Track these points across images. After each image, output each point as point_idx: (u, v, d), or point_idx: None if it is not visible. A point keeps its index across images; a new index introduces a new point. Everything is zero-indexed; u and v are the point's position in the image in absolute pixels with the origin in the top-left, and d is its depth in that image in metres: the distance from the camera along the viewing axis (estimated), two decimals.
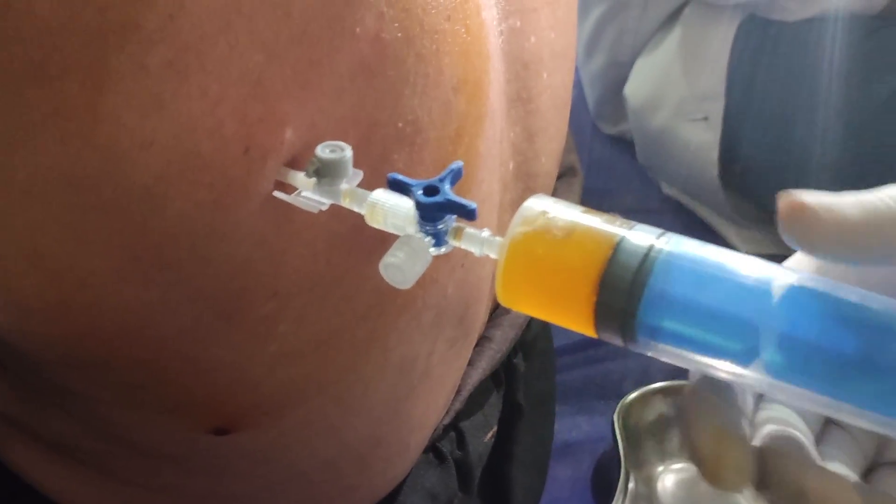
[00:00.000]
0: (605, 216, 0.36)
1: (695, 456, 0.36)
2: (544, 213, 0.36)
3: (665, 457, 0.83)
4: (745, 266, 0.34)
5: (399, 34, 0.42)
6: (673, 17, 1.24)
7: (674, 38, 1.23)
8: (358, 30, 0.40)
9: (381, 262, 0.37)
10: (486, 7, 0.48)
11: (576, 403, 0.90)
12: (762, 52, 1.15)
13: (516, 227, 0.36)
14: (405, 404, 0.54)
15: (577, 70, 1.43)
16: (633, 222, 0.36)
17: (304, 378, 0.46)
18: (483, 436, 0.66)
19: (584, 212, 0.36)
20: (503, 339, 0.64)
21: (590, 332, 0.35)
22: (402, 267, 0.37)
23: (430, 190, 0.37)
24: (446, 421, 0.62)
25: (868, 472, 0.40)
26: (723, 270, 0.34)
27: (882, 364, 0.32)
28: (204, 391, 0.44)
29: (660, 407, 0.83)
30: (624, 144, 1.39)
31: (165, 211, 0.37)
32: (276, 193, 0.39)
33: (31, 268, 0.38)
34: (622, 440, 0.81)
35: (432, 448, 0.62)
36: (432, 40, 0.43)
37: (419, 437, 0.58)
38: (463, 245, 0.38)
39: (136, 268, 0.38)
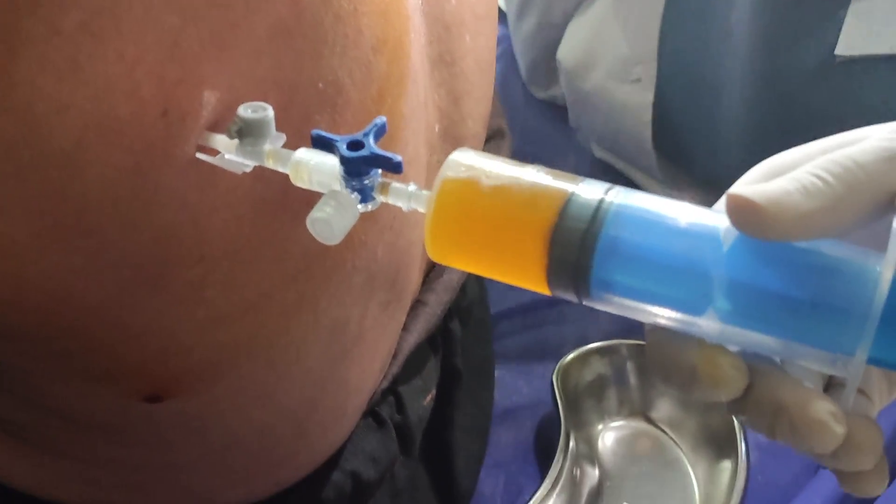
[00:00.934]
0: (540, 169, 0.36)
1: (680, 376, 0.36)
2: (472, 166, 0.36)
3: (604, 416, 0.84)
4: (695, 216, 0.34)
5: None
6: None
7: (603, 3, 1.24)
8: None
9: (309, 218, 0.37)
10: None
11: (515, 368, 0.90)
12: (694, 16, 1.15)
13: (443, 179, 0.36)
14: (340, 368, 0.54)
15: (508, 35, 1.43)
16: (575, 175, 0.36)
17: (235, 342, 0.46)
18: (422, 399, 0.67)
19: (517, 165, 0.36)
20: (437, 302, 0.64)
21: (541, 287, 0.35)
22: (329, 221, 0.37)
23: (355, 144, 0.37)
24: (384, 385, 0.62)
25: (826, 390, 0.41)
26: (673, 221, 0.34)
27: (828, 304, 0.33)
28: (134, 358, 0.44)
29: (597, 367, 0.84)
30: (556, 109, 1.39)
31: (85, 175, 0.37)
32: (199, 154, 0.39)
33: None
34: (561, 401, 0.82)
35: (371, 413, 0.62)
36: (350, 0, 0.43)
37: (356, 402, 0.58)
38: (390, 200, 0.38)
39: (57, 234, 0.38)
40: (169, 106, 0.37)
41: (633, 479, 0.79)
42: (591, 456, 0.81)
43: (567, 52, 1.26)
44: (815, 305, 0.33)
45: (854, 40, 1.00)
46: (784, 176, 0.35)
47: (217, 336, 0.45)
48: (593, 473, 0.79)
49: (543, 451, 0.84)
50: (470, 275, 0.71)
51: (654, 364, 0.36)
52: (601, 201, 0.35)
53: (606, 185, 0.35)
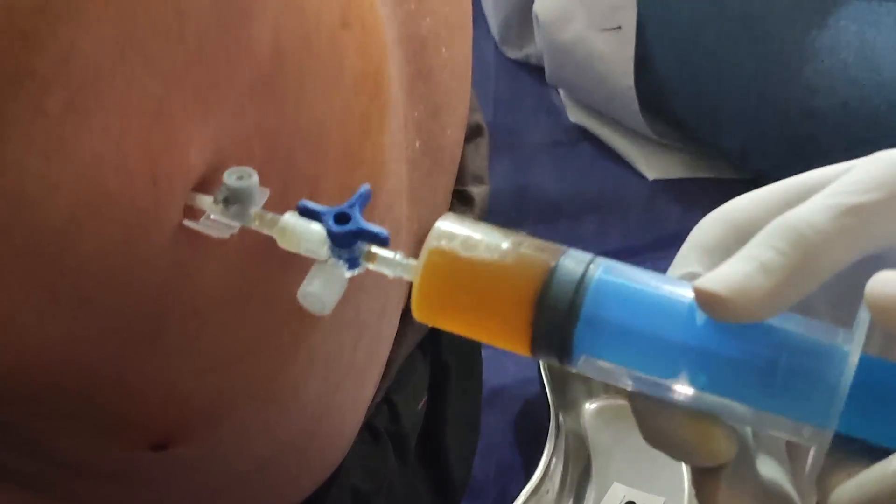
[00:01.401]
0: (524, 238, 0.38)
1: (672, 445, 0.36)
2: (456, 235, 0.37)
3: (591, 394, 0.85)
4: (671, 289, 0.36)
5: (296, 43, 0.42)
6: None
7: None
8: (254, 45, 0.40)
9: (299, 292, 0.38)
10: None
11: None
12: None
13: (429, 250, 0.37)
14: (336, 395, 0.55)
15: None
16: (559, 246, 0.37)
17: (234, 387, 0.47)
18: (415, 405, 0.68)
19: (502, 232, 0.37)
20: None
21: (524, 351, 0.37)
22: (320, 295, 0.38)
23: (341, 217, 0.38)
24: (378, 398, 0.63)
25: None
26: (650, 294, 0.36)
27: (797, 379, 0.34)
28: (137, 412, 0.45)
29: None
30: (529, 70, 1.39)
31: (79, 249, 0.37)
32: (186, 222, 0.39)
33: None
34: (548, 381, 0.84)
35: (367, 425, 0.63)
36: (330, 45, 0.44)
37: (354, 422, 0.59)
38: (376, 268, 0.39)
39: (55, 305, 0.38)
40: (157, 173, 0.38)
41: (621, 457, 0.81)
42: (580, 435, 0.83)
43: (544, 3, 1.26)
44: (785, 380, 0.34)
45: None
46: (741, 254, 0.35)
47: (215, 382, 0.46)
48: (583, 453, 0.81)
49: (532, 431, 0.85)
50: None
51: (644, 431, 0.37)
52: (583, 275, 0.36)
53: (589, 255, 0.37)
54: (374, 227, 0.38)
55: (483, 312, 0.37)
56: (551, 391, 0.84)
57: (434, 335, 0.71)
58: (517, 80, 1.37)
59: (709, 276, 0.35)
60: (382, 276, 0.53)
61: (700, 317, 0.35)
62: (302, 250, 0.38)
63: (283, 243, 0.39)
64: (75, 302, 0.39)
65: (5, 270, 0.37)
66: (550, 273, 0.36)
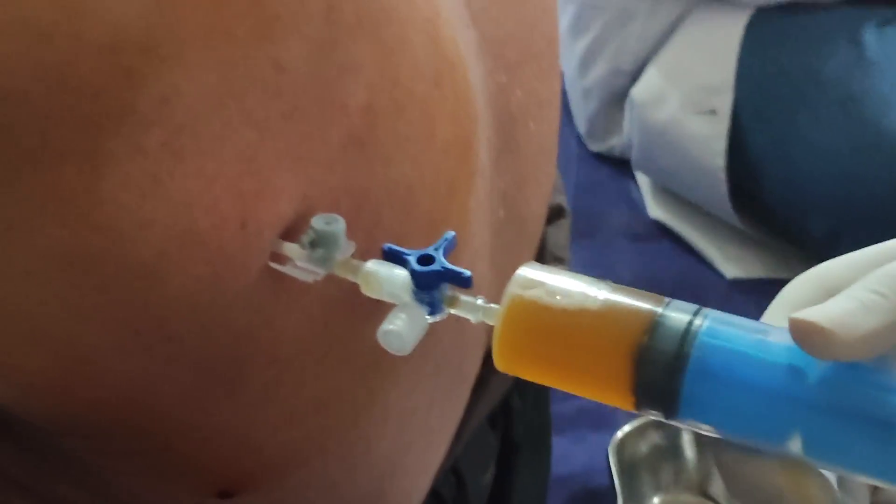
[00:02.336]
0: (612, 285, 0.37)
1: (764, 498, 0.35)
2: (542, 282, 0.37)
3: (660, 488, 0.83)
4: (781, 340, 0.34)
5: (389, 104, 0.42)
6: (679, 20, 1.26)
7: (681, 36, 1.24)
8: (348, 103, 0.41)
9: (380, 330, 0.38)
10: (472, 68, 0.49)
11: (570, 434, 0.91)
12: (772, 46, 1.18)
13: (511, 295, 0.37)
14: (407, 456, 0.55)
15: (564, 90, 1.44)
16: (658, 295, 0.37)
17: (306, 439, 0.47)
18: (482, 476, 0.67)
19: (588, 281, 0.37)
20: (499, 380, 0.65)
21: (625, 404, 0.36)
22: (400, 334, 0.38)
23: (425, 259, 0.38)
24: (446, 465, 0.62)
25: None
26: (760, 348, 0.35)
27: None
28: (207, 457, 0.45)
29: (654, 439, 0.84)
30: (610, 163, 1.40)
31: (165, 287, 0.38)
32: (272, 264, 0.40)
33: (33, 347, 0.39)
34: (617, 473, 0.82)
35: (432, 492, 0.63)
36: (422, 107, 0.44)
37: (421, 486, 0.59)
38: (458, 312, 0.39)
39: (137, 342, 0.39)
40: (247, 218, 0.38)
41: None
42: None
43: (641, 88, 1.27)
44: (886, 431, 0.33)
45: None
46: (841, 294, 0.35)
47: (289, 434, 0.46)
48: None
49: None
50: None
51: (732, 484, 0.36)
52: (690, 323, 0.35)
53: (694, 306, 0.36)
54: (458, 269, 0.38)
55: (574, 362, 0.36)
56: (620, 483, 0.82)
57: (506, 411, 0.70)
58: (598, 171, 1.38)
59: (808, 309, 0.34)
60: (460, 339, 0.54)
61: (814, 373, 0.34)
62: (385, 295, 0.39)
63: (367, 289, 0.39)
64: (157, 340, 0.39)
65: (92, 303, 0.37)
66: (655, 322, 0.35)
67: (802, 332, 0.33)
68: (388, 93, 0.42)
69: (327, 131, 0.40)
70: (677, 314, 0.35)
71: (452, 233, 0.40)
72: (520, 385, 0.73)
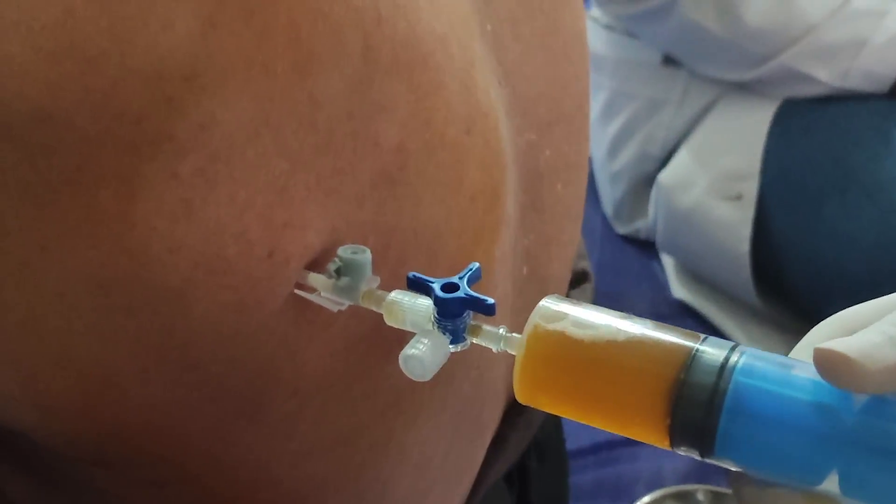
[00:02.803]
0: (640, 320, 0.37)
1: None
2: (565, 314, 0.37)
3: None
4: (817, 377, 0.34)
5: (420, 145, 0.43)
6: (708, 108, 1.28)
7: (709, 123, 1.26)
8: (380, 140, 0.41)
9: (402, 354, 0.38)
10: (503, 121, 0.50)
11: None
12: (798, 135, 1.19)
13: (534, 324, 0.37)
14: (422, 502, 0.54)
15: (592, 173, 1.45)
16: (692, 332, 0.36)
17: (324, 475, 0.47)
18: None
19: (612, 314, 0.37)
20: (518, 438, 0.65)
21: (660, 442, 0.36)
22: (422, 359, 0.38)
23: (449, 287, 0.39)
24: None
25: None
26: (797, 387, 0.34)
27: None
28: (226, 488, 0.45)
29: None
30: (635, 244, 1.40)
31: (191, 312, 0.38)
32: (298, 291, 0.40)
33: (58, 367, 0.39)
34: None
35: None
36: (453, 152, 0.45)
37: None
38: (480, 342, 0.39)
39: (161, 367, 0.39)
40: (275, 247, 0.39)
41: None
42: None
43: (669, 172, 1.28)
44: None
45: None
46: (867, 329, 0.35)
47: (307, 469, 0.46)
48: None
49: None
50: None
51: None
52: (726, 359, 0.35)
53: (730, 343, 0.36)
54: (482, 296, 0.38)
55: (608, 395, 0.36)
56: None
57: (523, 470, 0.70)
58: (623, 252, 1.38)
59: (834, 341, 0.34)
60: (479, 389, 0.54)
61: (852, 410, 0.33)
62: (408, 325, 0.39)
63: (389, 319, 0.40)
64: (181, 367, 0.40)
65: (119, 326, 0.38)
66: (693, 357, 0.35)
67: (828, 363, 0.34)
68: (420, 134, 0.43)
69: (358, 167, 0.41)
70: (714, 350, 0.35)
71: (477, 264, 0.40)
72: (538, 449, 0.73)
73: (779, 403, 0.34)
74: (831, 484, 0.34)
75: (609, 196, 1.42)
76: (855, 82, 1.16)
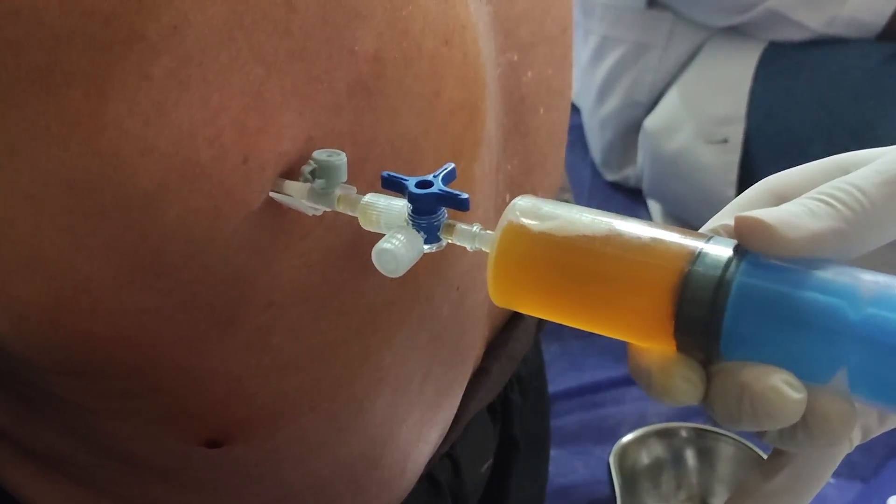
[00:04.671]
0: (640, 220, 0.36)
1: (640, 379, 0.36)
2: (543, 210, 0.36)
3: (661, 499, 0.82)
4: (826, 275, 0.34)
5: (397, 55, 0.42)
6: (693, 53, 1.28)
7: (695, 68, 1.26)
8: (357, 48, 0.41)
9: (375, 248, 0.38)
10: (483, 38, 0.49)
11: (572, 447, 0.90)
12: (784, 77, 1.19)
13: (507, 219, 0.36)
14: (401, 427, 0.54)
15: (581, 121, 1.44)
16: (689, 230, 0.36)
17: (298, 392, 0.47)
18: (479, 466, 0.66)
19: (597, 212, 0.36)
20: (500, 371, 0.64)
21: (663, 341, 0.35)
22: (395, 253, 0.37)
23: (424, 184, 0.38)
24: (443, 450, 0.62)
25: None
26: (802, 284, 0.34)
27: None
28: (198, 401, 0.45)
29: (655, 450, 0.83)
30: (623, 192, 1.40)
31: (164, 217, 0.38)
32: (272, 194, 0.40)
33: (30, 272, 0.38)
34: (618, 482, 0.81)
35: (428, 475, 0.62)
36: (430, 63, 0.44)
37: (416, 463, 0.58)
38: (455, 240, 0.38)
39: (133, 273, 0.39)
40: (249, 153, 0.38)
41: None
42: None
43: (655, 117, 1.29)
44: None
45: None
46: (790, 202, 0.36)
47: (281, 384, 0.46)
48: None
49: None
50: (532, 347, 0.71)
51: (629, 362, 0.37)
52: (731, 259, 0.34)
53: (732, 242, 0.35)
54: (455, 191, 0.38)
55: (599, 295, 0.35)
56: (621, 492, 0.81)
57: (506, 405, 0.70)
58: (611, 199, 1.38)
59: (756, 210, 0.35)
60: (458, 312, 0.53)
61: (859, 306, 0.33)
62: (383, 227, 0.39)
63: (364, 222, 0.39)
64: (154, 272, 0.39)
65: (90, 230, 0.37)
66: (699, 254, 0.34)
67: (748, 228, 0.34)
68: (396, 44, 0.42)
69: (334, 75, 0.40)
70: (719, 247, 0.35)
71: (452, 164, 0.40)
72: (521, 384, 0.72)
73: (784, 302, 0.33)
74: (840, 381, 0.33)
75: (598, 143, 1.42)
76: (841, 29, 1.16)
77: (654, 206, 1.36)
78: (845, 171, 0.38)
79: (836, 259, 0.35)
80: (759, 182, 0.40)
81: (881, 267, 0.36)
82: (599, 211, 0.36)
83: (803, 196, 0.36)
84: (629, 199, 1.35)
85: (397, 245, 0.37)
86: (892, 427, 0.41)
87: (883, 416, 0.41)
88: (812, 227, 0.34)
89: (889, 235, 0.36)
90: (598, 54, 1.36)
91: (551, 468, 0.83)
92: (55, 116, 0.35)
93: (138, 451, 0.48)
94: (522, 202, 0.37)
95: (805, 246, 0.34)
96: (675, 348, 0.35)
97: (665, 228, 0.36)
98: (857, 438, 0.41)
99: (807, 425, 0.34)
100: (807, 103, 1.16)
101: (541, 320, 0.70)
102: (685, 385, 0.35)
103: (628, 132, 1.36)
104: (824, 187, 0.36)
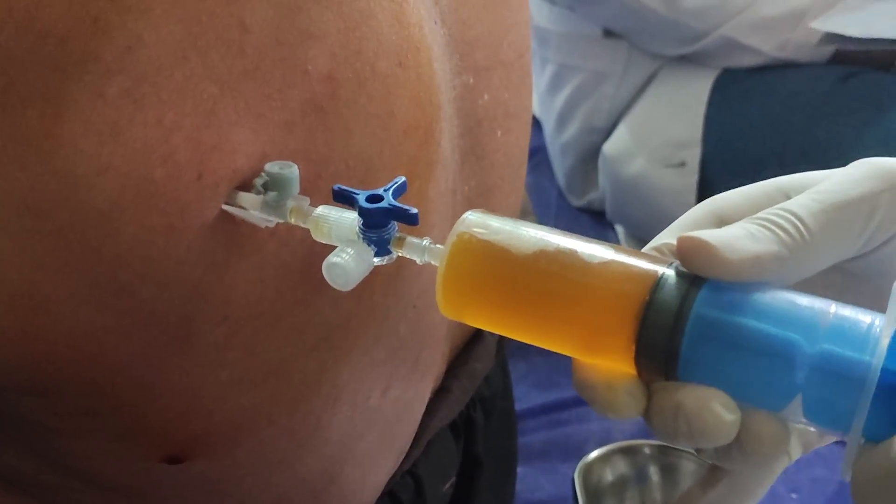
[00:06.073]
0: (600, 241, 0.37)
1: (585, 392, 0.37)
2: (492, 225, 0.37)
3: None
4: (783, 305, 0.35)
5: (350, 75, 0.43)
6: (649, 80, 1.29)
7: (650, 94, 1.28)
8: (310, 68, 0.42)
9: (325, 262, 0.38)
10: (438, 60, 0.50)
11: (539, 465, 0.91)
12: (737, 101, 1.21)
13: (457, 233, 0.37)
14: (360, 443, 0.54)
15: (543, 146, 1.46)
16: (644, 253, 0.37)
17: (256, 408, 0.47)
18: (441, 485, 0.67)
19: (556, 231, 0.37)
20: (461, 389, 0.65)
21: (624, 364, 0.36)
22: (345, 267, 0.38)
23: (374, 198, 0.39)
24: (405, 467, 0.62)
25: None
26: (759, 314, 0.35)
27: None
28: (157, 417, 0.45)
29: (620, 467, 0.84)
30: (591, 215, 1.42)
31: (120, 235, 0.38)
32: (225, 206, 0.40)
33: None
34: (583, 499, 0.81)
35: (389, 493, 0.62)
36: (384, 84, 0.45)
37: (375, 479, 0.59)
38: (405, 253, 0.39)
39: (91, 292, 0.39)
40: (203, 170, 0.39)
41: None
42: None
43: (612, 143, 1.30)
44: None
45: None
46: (731, 225, 0.37)
47: (238, 399, 0.46)
48: None
49: None
50: (494, 366, 0.71)
51: (574, 376, 0.38)
52: (690, 283, 0.35)
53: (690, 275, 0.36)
54: (405, 206, 0.38)
55: (552, 310, 0.36)
56: None
57: (468, 423, 0.70)
58: (578, 223, 1.39)
59: (698, 231, 0.36)
60: (416, 329, 0.54)
61: (815, 337, 0.34)
62: (334, 239, 0.39)
63: (316, 233, 0.40)
64: (111, 290, 0.39)
65: (48, 250, 0.38)
66: (661, 279, 0.35)
67: (690, 249, 0.35)
68: (349, 64, 0.43)
69: (288, 93, 0.41)
70: (678, 275, 0.36)
71: (403, 178, 0.40)
72: (484, 405, 0.73)
73: (740, 332, 0.34)
74: (795, 408, 0.34)
75: (560, 168, 1.43)
76: (793, 53, 1.18)
77: (620, 230, 1.37)
78: (785, 194, 0.39)
79: (777, 284, 0.36)
80: (702, 203, 0.41)
81: (823, 290, 0.37)
82: (548, 228, 0.37)
83: (745, 220, 0.37)
84: (596, 222, 1.36)
85: (346, 259, 0.38)
86: (832, 441, 0.42)
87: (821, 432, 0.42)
88: (753, 249, 0.35)
89: (827, 260, 0.38)
90: (556, 82, 1.38)
91: (518, 485, 0.83)
92: (11, 136, 0.36)
93: (101, 470, 0.49)
94: (472, 216, 0.38)
95: (745, 269, 0.35)
96: (633, 370, 0.36)
97: (616, 249, 0.37)
98: (796, 452, 0.42)
99: (741, 444, 0.35)
100: (760, 126, 1.18)
101: (501, 340, 0.71)
102: (628, 399, 0.36)
103: (589, 158, 1.37)
104: (765, 212, 0.37)
